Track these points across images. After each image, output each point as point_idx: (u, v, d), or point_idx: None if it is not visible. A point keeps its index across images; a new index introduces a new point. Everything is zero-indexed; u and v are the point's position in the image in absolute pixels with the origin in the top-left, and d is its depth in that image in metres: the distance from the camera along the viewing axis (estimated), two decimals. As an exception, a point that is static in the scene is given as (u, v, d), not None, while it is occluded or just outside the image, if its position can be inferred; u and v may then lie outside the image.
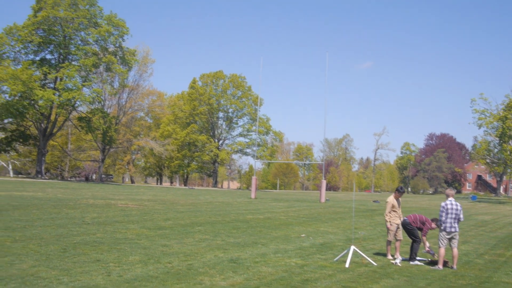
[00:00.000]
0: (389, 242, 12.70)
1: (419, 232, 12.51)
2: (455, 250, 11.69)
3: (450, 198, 11.84)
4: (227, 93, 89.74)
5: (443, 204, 11.80)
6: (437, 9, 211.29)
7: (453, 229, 11.60)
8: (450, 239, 11.69)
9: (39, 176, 63.69)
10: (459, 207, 11.71)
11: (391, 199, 12.77)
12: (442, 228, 11.75)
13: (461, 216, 11.78)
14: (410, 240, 12.58)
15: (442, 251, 11.63)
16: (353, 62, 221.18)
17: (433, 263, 11.96)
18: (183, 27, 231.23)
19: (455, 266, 11.50)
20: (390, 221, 12.59)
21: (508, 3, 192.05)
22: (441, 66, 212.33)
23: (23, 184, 42.53)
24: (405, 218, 12.66)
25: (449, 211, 11.63)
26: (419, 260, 12.18)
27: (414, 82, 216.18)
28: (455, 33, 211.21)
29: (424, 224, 12.44)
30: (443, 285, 9.54)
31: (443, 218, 11.69)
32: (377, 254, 13.08)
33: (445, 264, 11.70)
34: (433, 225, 12.53)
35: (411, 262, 11.93)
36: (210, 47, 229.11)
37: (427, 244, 12.49)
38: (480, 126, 74.94)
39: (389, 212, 12.67)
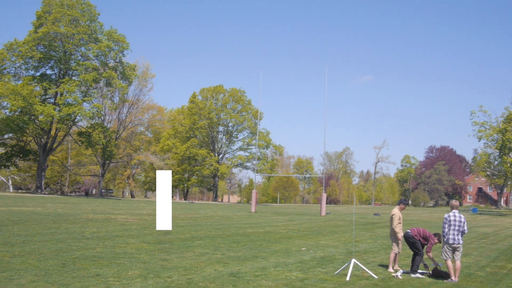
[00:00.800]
0: (394, 255, 12.64)
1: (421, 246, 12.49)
2: (458, 263, 11.58)
3: (454, 210, 11.77)
4: (227, 107, 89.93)
5: (446, 215, 11.74)
6: (436, 22, 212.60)
7: (456, 242, 11.49)
8: (453, 251, 11.60)
9: (39, 191, 63.61)
10: (462, 219, 11.61)
11: (397, 211, 12.74)
12: (445, 240, 11.68)
13: (465, 228, 11.67)
14: (411, 253, 12.55)
15: (449, 263, 11.54)
16: (353, 75, 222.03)
17: (438, 276, 11.89)
18: (183, 42, 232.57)
19: (456, 279, 11.42)
20: (401, 233, 12.60)
21: (507, 16, 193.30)
22: (441, 78, 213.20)
23: (23, 199, 42.46)
24: (408, 231, 12.59)
25: (452, 222, 11.55)
26: (420, 273, 12.12)
27: (414, 95, 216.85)
28: (455, 46, 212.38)
29: (427, 239, 12.38)
30: (445, 298, 9.48)
31: (446, 230, 11.61)
32: (379, 266, 13.01)
33: (443, 275, 11.67)
34: (436, 240, 12.49)
35: (412, 275, 11.86)
36: (210, 61, 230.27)
37: (434, 259, 12.46)
38: (480, 139, 75.01)
39: (397, 224, 12.64)
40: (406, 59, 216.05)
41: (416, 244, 12.25)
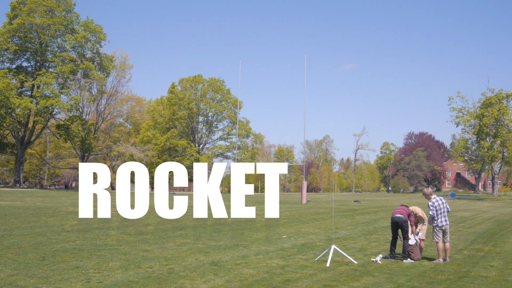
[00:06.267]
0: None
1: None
2: (448, 244, 12.30)
3: (433, 195, 12.36)
4: (206, 97, 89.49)
5: (430, 203, 12.25)
6: (416, 9, 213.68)
7: (445, 223, 12.16)
8: (443, 233, 12.22)
9: (18, 185, 62.79)
10: (443, 200, 12.32)
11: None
12: (434, 224, 12.19)
13: (448, 207, 12.42)
14: (390, 238, 12.72)
15: (440, 245, 12.16)
16: (334, 63, 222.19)
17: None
18: (161, 32, 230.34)
19: (448, 259, 12.08)
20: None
21: (484, 2, 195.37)
22: (419, 64, 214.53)
23: (1, 194, 41.91)
24: (400, 215, 12.47)
25: (438, 207, 12.16)
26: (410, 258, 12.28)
27: (392, 82, 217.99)
28: (432, 32, 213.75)
29: (410, 215, 12.61)
30: (423, 281, 9.65)
31: (435, 216, 12.15)
32: (359, 252, 13.15)
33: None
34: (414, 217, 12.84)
35: (405, 260, 12.02)
36: (188, 51, 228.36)
37: (416, 235, 12.67)
38: (457, 124, 76.07)
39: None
40: (385, 45, 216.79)
41: (407, 229, 12.40)
